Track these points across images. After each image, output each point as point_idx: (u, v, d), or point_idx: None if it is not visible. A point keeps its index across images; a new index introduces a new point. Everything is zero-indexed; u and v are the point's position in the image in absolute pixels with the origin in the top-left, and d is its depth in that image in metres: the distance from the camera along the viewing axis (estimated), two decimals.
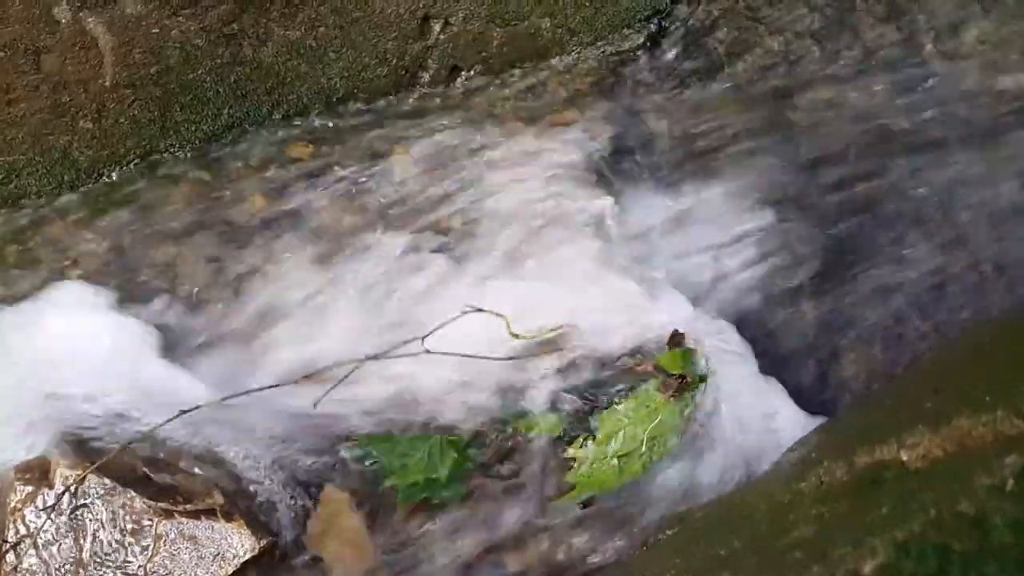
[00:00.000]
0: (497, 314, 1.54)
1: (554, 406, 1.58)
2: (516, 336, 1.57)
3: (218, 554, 1.36)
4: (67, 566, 1.33)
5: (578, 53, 1.92)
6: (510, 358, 1.58)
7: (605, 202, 1.78)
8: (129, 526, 1.36)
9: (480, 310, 1.53)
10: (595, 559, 1.47)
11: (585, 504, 1.53)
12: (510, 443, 1.55)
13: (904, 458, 0.83)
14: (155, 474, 1.40)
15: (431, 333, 1.51)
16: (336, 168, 1.78)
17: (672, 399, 1.55)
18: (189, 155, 1.76)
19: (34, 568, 1.33)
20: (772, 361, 1.68)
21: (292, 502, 1.45)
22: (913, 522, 0.60)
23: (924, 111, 1.89)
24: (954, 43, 1.95)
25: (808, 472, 1.00)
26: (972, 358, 1.14)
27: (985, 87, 1.92)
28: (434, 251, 1.72)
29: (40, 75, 1.58)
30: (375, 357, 1.53)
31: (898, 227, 1.79)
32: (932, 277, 1.75)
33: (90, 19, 1.56)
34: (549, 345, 1.62)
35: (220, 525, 1.37)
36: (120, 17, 1.58)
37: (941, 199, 1.81)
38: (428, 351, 1.53)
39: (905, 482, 0.75)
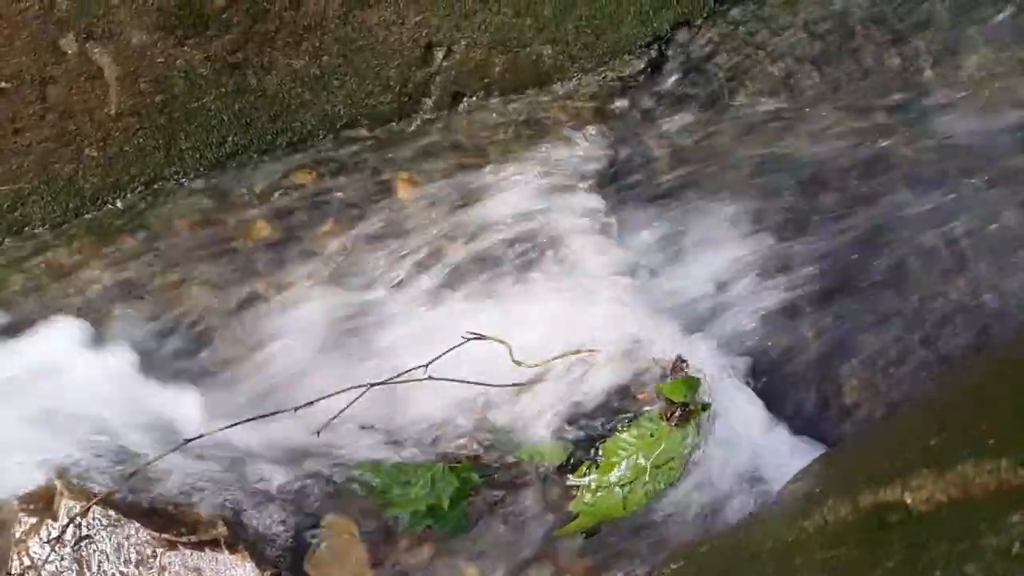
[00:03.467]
0: (499, 341, 1.54)
1: (557, 434, 1.59)
2: (519, 363, 1.57)
3: None
4: None
5: (579, 79, 1.94)
6: (513, 384, 1.59)
7: (606, 227, 1.79)
8: (134, 558, 1.36)
9: (482, 337, 1.53)
10: None
11: (589, 533, 1.53)
12: (513, 471, 1.56)
13: (908, 501, 0.84)
14: (159, 505, 1.40)
15: (434, 360, 1.51)
16: (339, 194, 1.79)
17: (675, 427, 1.56)
18: (194, 182, 1.77)
19: None
20: (773, 388, 1.68)
21: (296, 532, 1.45)
22: None
23: (925, 137, 1.90)
24: (954, 69, 1.97)
25: (813, 509, 1.00)
26: (975, 395, 1.15)
27: (985, 113, 1.93)
28: (437, 276, 1.73)
29: (46, 105, 1.59)
30: (378, 384, 1.53)
31: (899, 254, 1.80)
32: (933, 305, 1.75)
33: (96, 49, 1.57)
34: (552, 372, 1.62)
35: (224, 556, 1.37)
36: (126, 47, 1.59)
37: (942, 226, 1.82)
38: (431, 377, 1.53)
39: (911, 529, 0.76)
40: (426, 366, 1.52)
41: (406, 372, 1.53)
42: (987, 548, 0.59)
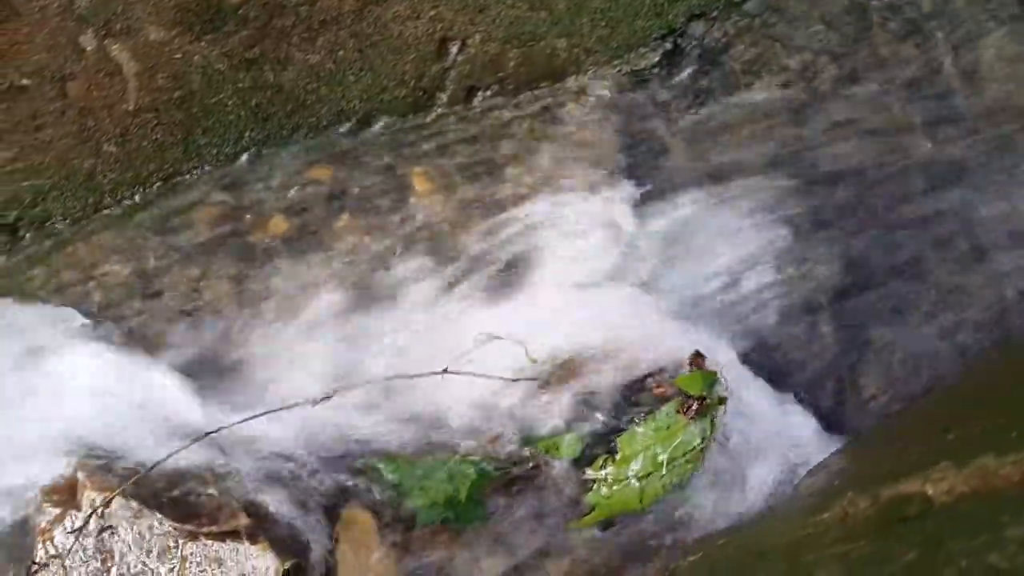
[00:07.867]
0: (516, 341, 1.55)
1: (574, 427, 1.59)
2: (535, 361, 1.57)
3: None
4: None
5: (594, 72, 1.93)
6: (529, 379, 1.59)
7: (621, 221, 1.79)
8: (155, 548, 1.38)
9: (498, 338, 1.54)
10: None
11: (605, 526, 1.53)
12: (530, 464, 1.56)
13: (929, 492, 0.84)
14: (180, 496, 1.42)
15: (452, 363, 1.52)
16: (356, 189, 1.80)
17: (692, 421, 1.56)
18: (211, 178, 1.78)
19: None
20: (790, 381, 1.68)
21: (316, 523, 1.47)
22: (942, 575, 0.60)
23: (943, 128, 1.89)
24: (972, 60, 1.95)
25: (831, 503, 1.00)
26: (998, 388, 1.14)
27: (1004, 104, 1.91)
28: (453, 271, 1.73)
29: (66, 101, 1.61)
30: (396, 377, 1.54)
31: (916, 246, 1.79)
32: (952, 298, 1.74)
33: (115, 46, 1.59)
34: (568, 367, 1.63)
35: (245, 547, 1.38)
36: (144, 44, 1.60)
37: (960, 218, 1.81)
38: (447, 371, 1.54)
39: (930, 522, 0.75)
40: (443, 372, 1.53)
41: (424, 373, 1.54)
42: (1011, 539, 0.59)
